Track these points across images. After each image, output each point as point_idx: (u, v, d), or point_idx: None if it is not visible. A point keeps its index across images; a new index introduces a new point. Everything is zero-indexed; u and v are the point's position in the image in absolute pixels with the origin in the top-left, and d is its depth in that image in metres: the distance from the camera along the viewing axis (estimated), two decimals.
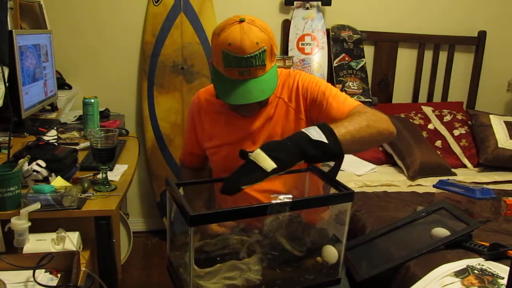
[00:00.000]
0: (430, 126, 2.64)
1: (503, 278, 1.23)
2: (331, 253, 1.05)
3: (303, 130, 0.98)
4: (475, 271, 1.28)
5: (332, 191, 1.04)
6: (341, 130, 1.02)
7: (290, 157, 0.93)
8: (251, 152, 0.93)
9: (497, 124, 2.59)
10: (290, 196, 0.94)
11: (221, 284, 0.94)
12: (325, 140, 0.96)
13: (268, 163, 0.90)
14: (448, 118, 2.70)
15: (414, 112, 2.71)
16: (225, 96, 1.18)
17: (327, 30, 2.68)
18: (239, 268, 0.96)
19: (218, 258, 1.03)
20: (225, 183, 0.92)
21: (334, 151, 0.98)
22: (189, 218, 0.83)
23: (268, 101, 1.31)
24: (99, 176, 1.40)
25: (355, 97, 2.59)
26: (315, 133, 0.97)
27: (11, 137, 1.52)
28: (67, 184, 1.35)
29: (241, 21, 1.15)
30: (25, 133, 1.82)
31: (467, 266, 1.31)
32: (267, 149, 0.93)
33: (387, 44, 2.80)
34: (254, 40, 1.14)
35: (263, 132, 1.33)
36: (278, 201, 0.91)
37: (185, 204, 0.87)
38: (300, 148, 0.94)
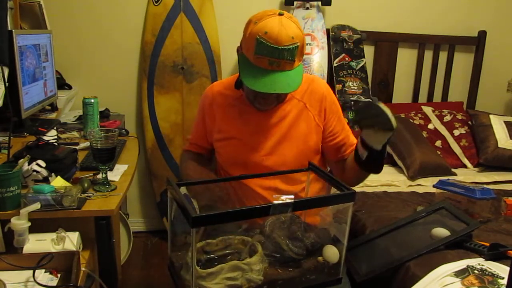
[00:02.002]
0: (430, 126, 2.64)
1: (503, 278, 1.23)
2: (332, 253, 1.06)
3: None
4: (475, 271, 1.28)
5: (333, 191, 1.04)
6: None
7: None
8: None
9: (497, 124, 2.59)
10: (292, 196, 0.94)
11: (223, 284, 0.94)
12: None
13: (395, 122, 1.09)
14: (448, 118, 2.70)
15: (414, 112, 2.71)
16: (251, 82, 1.19)
17: (327, 30, 2.67)
18: (241, 268, 0.96)
19: (216, 257, 1.03)
20: (359, 110, 1.13)
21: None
22: (191, 219, 0.83)
23: (286, 98, 1.33)
24: (99, 176, 1.40)
25: (355, 97, 2.60)
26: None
27: (11, 137, 1.52)
28: (67, 184, 1.35)
29: (280, 14, 1.19)
30: (25, 133, 1.82)
31: (467, 266, 1.31)
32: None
33: (387, 44, 2.80)
34: (290, 34, 1.16)
35: (275, 130, 1.34)
36: (280, 201, 0.91)
37: (187, 205, 0.87)
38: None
